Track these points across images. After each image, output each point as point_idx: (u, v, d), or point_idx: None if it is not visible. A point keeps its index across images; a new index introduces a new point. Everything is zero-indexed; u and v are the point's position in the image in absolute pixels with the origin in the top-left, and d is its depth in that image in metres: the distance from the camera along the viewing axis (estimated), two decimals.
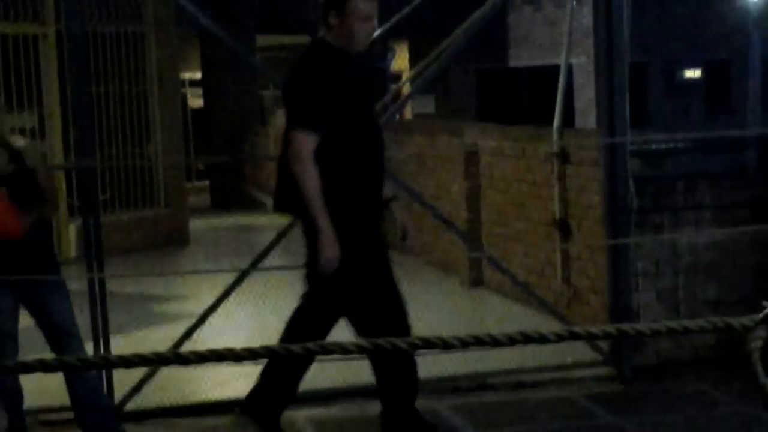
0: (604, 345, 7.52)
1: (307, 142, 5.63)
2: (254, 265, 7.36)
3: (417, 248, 11.99)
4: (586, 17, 24.62)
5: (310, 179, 5.60)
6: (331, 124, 5.66)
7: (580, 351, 7.47)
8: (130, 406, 6.93)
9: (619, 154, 7.23)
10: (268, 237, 7.89)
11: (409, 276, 10.79)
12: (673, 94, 27.44)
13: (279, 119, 18.17)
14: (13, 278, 5.70)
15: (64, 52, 8.34)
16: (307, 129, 5.65)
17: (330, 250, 5.65)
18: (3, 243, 5.67)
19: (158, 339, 8.07)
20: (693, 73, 28.02)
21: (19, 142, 5.88)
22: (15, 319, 5.92)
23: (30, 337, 6.14)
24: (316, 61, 5.86)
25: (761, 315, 2.59)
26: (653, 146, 7.89)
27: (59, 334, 5.93)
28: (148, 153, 14.05)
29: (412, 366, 6.03)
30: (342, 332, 5.95)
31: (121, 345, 7.67)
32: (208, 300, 7.37)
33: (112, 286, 7.72)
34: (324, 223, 5.65)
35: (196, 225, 14.73)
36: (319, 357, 3.96)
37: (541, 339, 2.62)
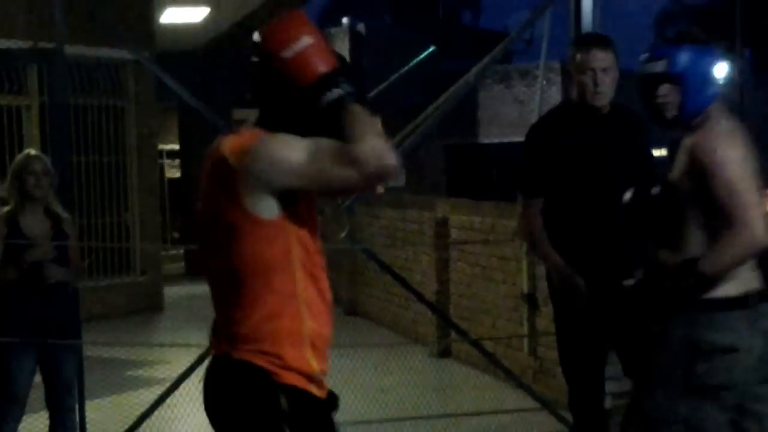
0: (569, 417, 7.68)
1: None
2: None
3: (386, 318, 12.19)
4: (554, 96, 25.03)
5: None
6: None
7: (546, 422, 7.65)
8: None
9: None
10: None
11: (378, 343, 10.98)
12: None
13: None
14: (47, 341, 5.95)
15: (46, 123, 8.53)
16: None
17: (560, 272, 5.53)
18: (32, 305, 5.91)
19: (132, 403, 8.15)
20: (659, 152, 28.43)
21: (61, 211, 6.16)
22: (30, 383, 6.11)
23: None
24: None
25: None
26: None
27: (62, 390, 6.13)
28: (126, 221, 14.24)
29: None
30: None
31: (95, 409, 7.81)
32: (183, 365, 7.49)
33: (87, 350, 7.83)
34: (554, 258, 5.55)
35: (171, 291, 14.87)
36: None
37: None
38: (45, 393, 6.17)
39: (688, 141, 4.44)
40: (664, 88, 4.38)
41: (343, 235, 7.93)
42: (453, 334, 10.08)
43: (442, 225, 10.54)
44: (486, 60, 8.07)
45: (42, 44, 10.14)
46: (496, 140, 27.21)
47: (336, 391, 7.46)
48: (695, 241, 4.28)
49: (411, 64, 13.37)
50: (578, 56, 5.50)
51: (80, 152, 13.21)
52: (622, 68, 5.66)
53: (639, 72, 4.47)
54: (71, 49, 8.12)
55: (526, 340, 8.81)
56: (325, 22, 35.54)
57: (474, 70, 8.08)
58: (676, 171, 4.45)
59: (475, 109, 26.97)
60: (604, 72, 5.44)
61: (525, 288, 8.79)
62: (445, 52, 27.52)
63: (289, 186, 3.06)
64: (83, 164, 13.39)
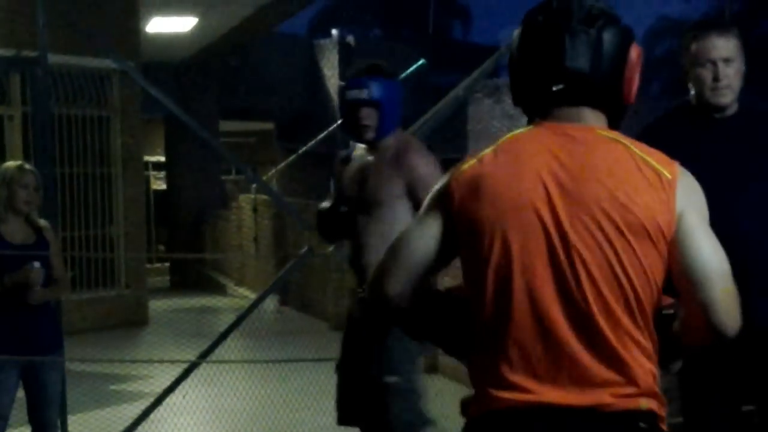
0: None
1: None
2: (213, 348, 7.43)
3: None
4: None
5: None
6: None
7: None
8: None
9: None
10: (227, 318, 7.97)
11: None
12: None
13: (242, 203, 18.33)
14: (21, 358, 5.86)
15: (29, 133, 8.46)
16: None
17: None
18: (13, 321, 5.83)
19: (116, 418, 8.08)
20: None
21: (40, 221, 6.12)
22: (12, 400, 6.02)
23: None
24: None
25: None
26: None
27: (45, 405, 6.05)
28: (111, 234, 14.15)
29: None
30: None
31: (78, 424, 7.73)
32: (166, 380, 7.42)
33: (70, 364, 7.76)
34: None
35: (156, 306, 14.77)
36: None
37: None
38: (27, 408, 6.09)
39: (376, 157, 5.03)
40: (366, 112, 4.97)
41: (331, 249, 7.90)
42: (440, 350, 10.02)
43: None
44: (476, 74, 8.04)
45: (25, 53, 10.08)
46: None
47: (323, 405, 7.39)
48: None
49: (401, 77, 13.32)
50: (693, 46, 4.40)
51: (64, 163, 13.12)
52: None
53: (342, 97, 5.07)
54: (55, 58, 8.06)
55: None
56: (315, 33, 35.55)
57: (463, 83, 8.05)
58: None
59: (464, 122, 26.98)
60: (726, 63, 4.29)
61: None
62: (435, 66, 27.54)
63: None
64: (67, 176, 13.30)
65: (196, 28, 16.41)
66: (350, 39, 26.78)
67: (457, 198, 2.60)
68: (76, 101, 13.53)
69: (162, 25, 16.01)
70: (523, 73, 2.71)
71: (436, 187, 2.69)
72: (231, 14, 16.05)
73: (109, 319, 13.60)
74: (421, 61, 15.04)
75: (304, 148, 14.09)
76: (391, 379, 5.04)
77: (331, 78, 26.32)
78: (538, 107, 2.69)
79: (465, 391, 8.71)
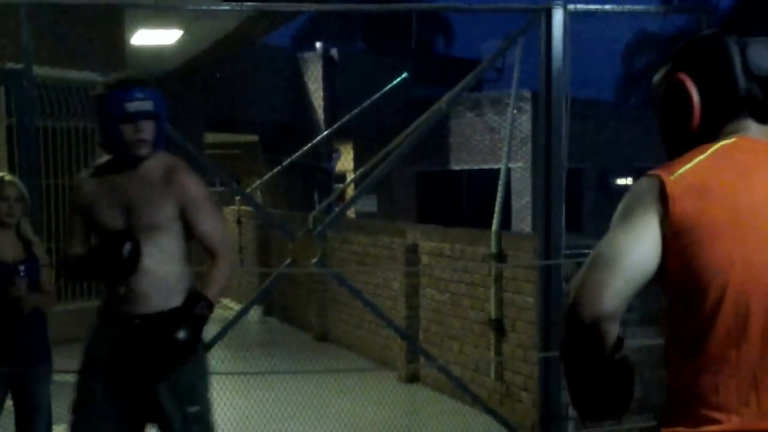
0: None
1: None
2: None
3: (356, 343, 12.21)
4: (525, 125, 25.17)
5: None
6: None
7: None
8: None
9: (553, 257, 7.49)
10: (211, 329, 8.02)
11: (347, 369, 10.99)
12: (607, 199, 27.98)
13: (226, 215, 18.36)
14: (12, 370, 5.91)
15: (14, 145, 8.50)
16: None
17: None
18: (1, 332, 5.86)
19: None
20: (625, 180, 28.62)
21: (32, 235, 6.17)
22: (1, 410, 6.06)
23: None
24: None
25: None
26: (587, 250, 8.16)
27: (33, 415, 6.09)
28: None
29: None
30: None
31: None
32: None
33: (55, 375, 7.79)
34: None
35: None
36: None
37: None
38: (15, 420, 6.14)
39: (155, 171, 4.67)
40: (145, 125, 4.59)
41: (314, 260, 7.96)
42: (422, 359, 10.13)
43: (413, 251, 10.59)
44: (458, 87, 8.13)
45: (10, 65, 10.12)
46: (467, 167, 27.32)
47: (304, 416, 7.47)
48: None
49: (383, 90, 13.42)
50: None
51: (49, 175, 13.17)
52: (590, 97, 5.65)
53: (112, 108, 4.57)
54: (40, 71, 8.11)
55: (492, 366, 8.86)
56: (299, 46, 35.64)
57: (446, 97, 8.13)
58: None
59: (447, 136, 27.08)
60: None
61: (492, 314, 8.84)
62: (418, 79, 27.65)
63: None
64: (52, 187, 13.35)
65: (181, 40, 16.47)
66: (334, 52, 26.87)
67: (679, 200, 2.49)
68: (61, 114, 13.59)
69: (147, 37, 16.06)
70: (703, 95, 2.64)
71: (641, 190, 2.57)
72: (215, 27, 16.12)
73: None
74: (403, 75, 15.16)
75: (288, 160, 14.15)
76: (193, 408, 4.72)
77: (315, 91, 26.39)
78: (712, 129, 2.65)
79: (445, 400, 8.82)
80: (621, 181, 28.80)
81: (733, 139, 2.61)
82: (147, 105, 4.56)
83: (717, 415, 2.47)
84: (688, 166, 2.54)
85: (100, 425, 4.72)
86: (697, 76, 2.65)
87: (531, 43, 7.62)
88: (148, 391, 4.63)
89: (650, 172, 2.60)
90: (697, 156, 2.57)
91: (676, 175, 2.53)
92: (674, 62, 2.73)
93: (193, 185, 4.65)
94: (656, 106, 2.78)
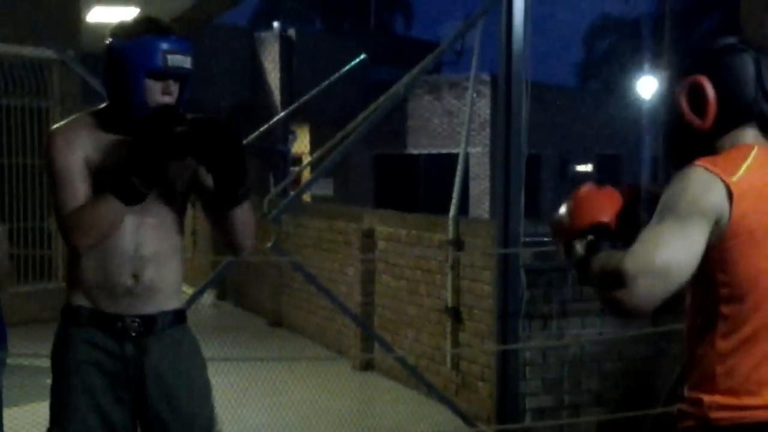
0: (488, 431, 7.67)
1: None
2: None
3: (311, 329, 12.10)
4: (483, 109, 25.13)
5: None
6: None
7: None
8: None
9: (512, 245, 7.41)
10: None
11: (301, 356, 10.90)
12: (566, 186, 28.03)
13: None
14: None
15: None
16: None
17: None
18: None
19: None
20: (585, 167, 28.68)
21: None
22: None
23: None
24: None
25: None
26: (545, 238, 8.11)
27: None
28: (48, 226, 14.00)
29: None
30: None
31: (13, 418, 7.62)
32: None
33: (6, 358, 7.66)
34: None
35: None
36: None
37: None
38: None
39: None
40: (176, 88, 3.72)
41: (269, 245, 7.85)
42: (376, 347, 10.03)
43: (369, 236, 10.48)
44: (416, 70, 8.02)
45: None
46: (425, 151, 27.26)
47: (257, 403, 7.33)
48: None
49: (341, 71, 13.30)
50: None
51: (2, 154, 12.98)
52: (552, 82, 5.56)
53: (158, 60, 3.57)
54: None
55: (448, 355, 8.77)
56: (256, 26, 35.41)
57: (404, 80, 8.03)
58: None
59: (404, 119, 27.02)
60: None
61: (449, 301, 8.75)
62: (376, 61, 27.53)
63: None
64: (5, 167, 13.15)
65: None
66: (291, 32, 26.72)
67: (742, 202, 2.71)
68: (14, 91, 13.36)
69: (103, 14, 15.84)
70: (721, 100, 2.85)
71: (701, 187, 2.73)
72: (172, 5, 15.93)
73: (46, 312, 13.44)
74: (362, 56, 15.05)
75: (243, 141, 14.03)
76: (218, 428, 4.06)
77: (272, 72, 26.24)
78: (721, 132, 2.88)
79: (400, 389, 8.72)
80: (581, 168, 28.87)
81: (758, 149, 2.85)
82: (186, 61, 3.65)
83: (755, 389, 2.76)
84: (742, 170, 2.76)
85: None
86: (714, 80, 2.86)
87: (491, 26, 7.54)
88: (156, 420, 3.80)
89: (704, 167, 2.76)
90: (741, 161, 2.79)
91: (737, 177, 2.73)
92: (690, 64, 2.93)
93: None
94: (668, 104, 2.97)
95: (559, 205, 3.11)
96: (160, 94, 3.62)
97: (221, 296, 15.37)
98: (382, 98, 8.14)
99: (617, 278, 2.67)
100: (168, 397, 3.77)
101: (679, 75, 2.92)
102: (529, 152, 7.52)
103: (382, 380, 9.99)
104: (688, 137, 2.91)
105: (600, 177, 28.68)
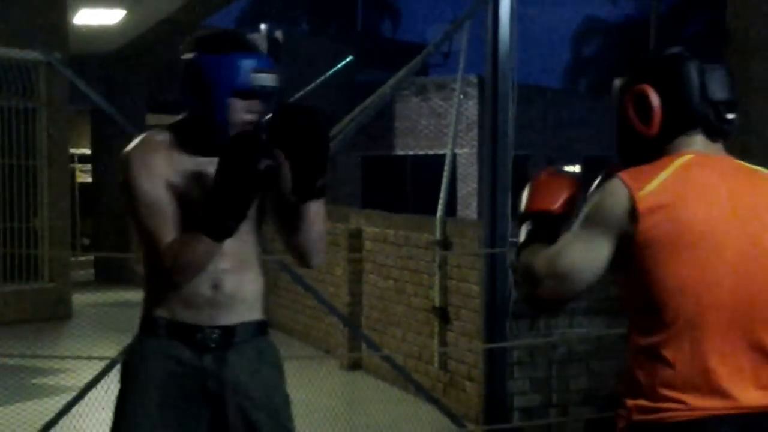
0: (476, 430, 7.71)
1: None
2: None
3: (298, 329, 12.11)
4: (471, 110, 25.15)
5: None
6: None
7: None
8: None
9: (499, 245, 7.44)
10: None
11: (288, 356, 10.90)
12: None
13: None
14: None
15: None
16: None
17: None
18: None
19: (37, 412, 7.99)
20: (572, 168, 28.71)
21: None
22: None
23: None
24: None
25: None
26: None
27: None
28: (35, 226, 14.00)
29: None
30: None
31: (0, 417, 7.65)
32: (89, 374, 7.35)
33: None
34: None
35: (80, 299, 14.64)
36: None
37: None
38: None
39: None
40: (260, 107, 3.58)
41: None
42: (364, 347, 10.05)
43: (356, 236, 10.50)
44: (403, 72, 8.05)
45: None
46: (412, 152, 27.27)
47: None
48: None
49: (328, 73, 13.32)
50: None
51: None
52: (536, 84, 5.59)
53: (246, 80, 3.47)
54: None
55: (436, 354, 8.80)
56: (243, 27, 35.39)
57: (391, 81, 8.06)
58: None
59: (392, 120, 27.01)
60: None
61: (436, 301, 8.77)
62: (363, 63, 27.55)
63: None
64: None
65: (124, 20, 16.27)
66: (278, 34, 26.71)
67: (648, 217, 2.80)
68: (1, 92, 13.37)
69: (89, 16, 15.86)
70: (666, 108, 2.96)
71: (611, 201, 2.86)
72: (159, 7, 15.95)
73: (32, 312, 13.46)
74: (348, 58, 15.08)
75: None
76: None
77: None
78: (667, 138, 2.98)
79: (388, 389, 8.71)
80: (568, 168, 28.90)
81: (689, 156, 2.93)
82: (273, 80, 3.54)
83: (671, 393, 2.82)
84: (655, 183, 2.85)
85: None
86: (659, 89, 2.97)
87: (478, 28, 7.56)
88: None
89: (619, 178, 2.88)
90: (660, 172, 2.88)
91: (645, 191, 2.82)
92: (637, 74, 3.04)
93: None
94: (617, 112, 3.08)
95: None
96: (244, 112, 3.51)
97: None
98: (369, 100, 8.17)
99: (528, 277, 2.93)
100: (247, 412, 3.63)
101: (627, 84, 3.03)
102: (517, 153, 7.56)
103: (370, 380, 10.01)
104: (638, 143, 3.01)
105: (586, 178, 28.69)
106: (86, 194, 22.07)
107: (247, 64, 3.47)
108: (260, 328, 3.72)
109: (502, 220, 7.40)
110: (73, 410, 7.26)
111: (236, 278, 3.60)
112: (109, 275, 18.60)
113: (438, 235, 8.72)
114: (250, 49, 3.54)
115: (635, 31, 32.95)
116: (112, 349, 7.59)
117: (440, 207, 8.79)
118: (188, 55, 3.54)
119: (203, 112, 3.54)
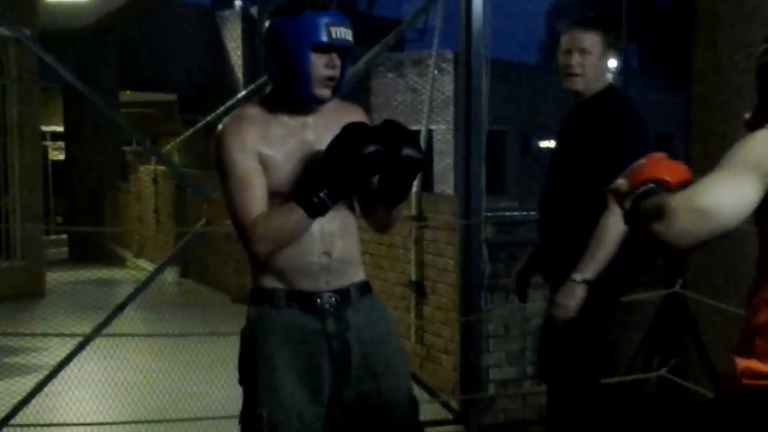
0: (454, 404, 7.71)
1: None
2: (109, 320, 7.31)
3: None
4: (447, 86, 25.13)
5: None
6: None
7: (431, 409, 7.61)
8: None
9: (474, 220, 7.43)
10: (125, 290, 7.86)
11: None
12: (529, 162, 28.10)
13: (141, 175, 18.17)
14: None
15: None
16: None
17: None
18: None
19: (10, 391, 7.94)
20: (548, 143, 28.75)
21: None
22: None
23: None
24: None
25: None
26: (507, 213, 8.14)
27: None
28: (6, 205, 13.92)
29: None
30: None
31: None
32: (62, 353, 7.32)
33: None
34: None
35: (53, 278, 14.59)
36: None
37: None
38: None
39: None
40: (337, 62, 3.72)
41: (230, 221, 7.81)
42: None
43: None
44: (378, 48, 8.01)
45: None
46: None
47: (218, 379, 7.32)
48: None
49: None
50: (562, 37, 5.21)
51: None
52: (514, 60, 5.57)
53: (323, 34, 3.61)
54: None
55: (413, 328, 8.79)
56: (218, 4, 35.24)
57: (365, 57, 8.02)
58: None
59: (367, 96, 26.98)
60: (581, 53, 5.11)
61: (413, 276, 8.76)
62: None
63: None
64: None
65: None
66: (254, 10, 26.60)
67: None
68: None
69: None
70: None
71: (755, 149, 2.72)
72: None
73: (5, 291, 13.39)
74: None
75: (205, 120, 13.95)
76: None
77: (234, 50, 26.13)
78: None
79: None
80: (544, 144, 28.93)
81: None
82: (348, 34, 3.68)
83: None
84: None
85: None
86: None
87: (454, 3, 7.52)
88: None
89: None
90: None
91: None
92: None
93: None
94: (758, 73, 2.99)
95: (522, 180, 3.18)
96: (324, 67, 3.63)
97: (184, 274, 15.34)
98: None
99: (659, 212, 2.65)
100: (371, 366, 3.81)
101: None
102: (493, 128, 7.55)
103: None
104: None
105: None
106: (59, 172, 21.99)
107: (322, 19, 3.60)
108: (367, 287, 3.92)
109: (477, 195, 7.38)
110: (47, 389, 7.22)
111: (343, 243, 3.80)
112: (83, 253, 18.56)
113: (414, 210, 8.70)
114: (323, 7, 3.65)
115: (608, 9, 32.98)
116: (87, 327, 7.54)
117: (416, 182, 8.75)
118: (267, 23, 3.69)
119: (287, 73, 3.65)
